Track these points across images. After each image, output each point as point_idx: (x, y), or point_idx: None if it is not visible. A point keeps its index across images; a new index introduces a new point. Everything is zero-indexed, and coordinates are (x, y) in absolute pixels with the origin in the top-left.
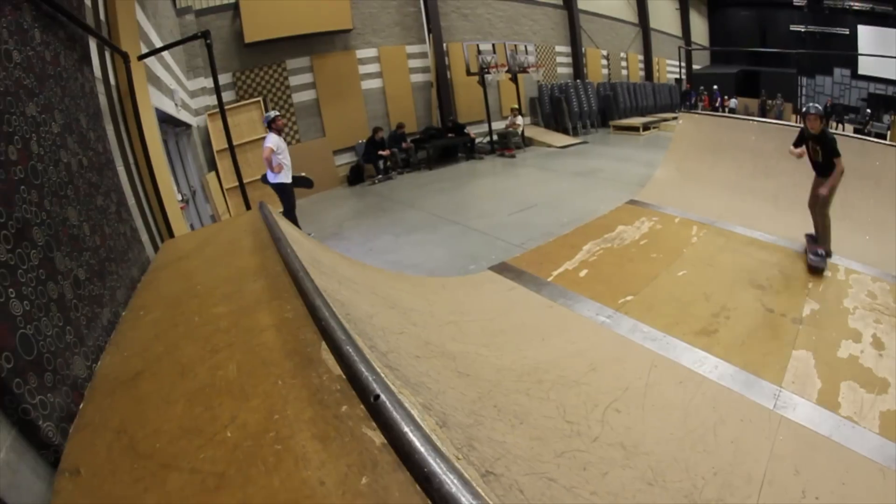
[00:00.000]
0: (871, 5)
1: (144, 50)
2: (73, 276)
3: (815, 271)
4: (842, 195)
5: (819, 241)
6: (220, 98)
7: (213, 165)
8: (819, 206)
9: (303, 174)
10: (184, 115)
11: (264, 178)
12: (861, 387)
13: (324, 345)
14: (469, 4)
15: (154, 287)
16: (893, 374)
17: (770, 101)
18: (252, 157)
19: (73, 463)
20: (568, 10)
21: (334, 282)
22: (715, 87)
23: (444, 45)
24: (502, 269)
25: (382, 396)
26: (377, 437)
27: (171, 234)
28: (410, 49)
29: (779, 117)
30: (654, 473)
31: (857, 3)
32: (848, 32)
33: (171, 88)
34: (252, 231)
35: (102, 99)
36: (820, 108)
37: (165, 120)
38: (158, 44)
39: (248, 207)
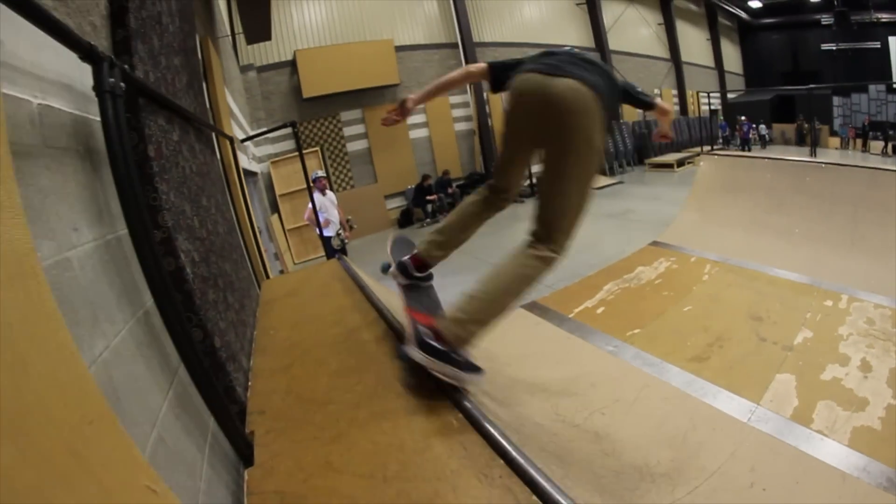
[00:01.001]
0: None
1: (232, 122)
2: (234, 308)
3: None
4: (852, 224)
5: None
6: (305, 170)
7: (275, 208)
8: None
9: (346, 227)
10: (253, 166)
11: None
12: (838, 405)
13: (393, 334)
14: (506, 53)
15: (273, 315)
16: (875, 394)
17: (807, 125)
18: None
19: (259, 408)
20: (600, 52)
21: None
22: (742, 117)
23: (485, 94)
24: (532, 307)
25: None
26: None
27: (267, 276)
28: (453, 100)
29: (816, 142)
30: (615, 450)
31: (885, 15)
32: (879, 45)
33: (245, 145)
34: (337, 278)
35: (221, 175)
36: None
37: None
38: (234, 107)
39: (327, 253)
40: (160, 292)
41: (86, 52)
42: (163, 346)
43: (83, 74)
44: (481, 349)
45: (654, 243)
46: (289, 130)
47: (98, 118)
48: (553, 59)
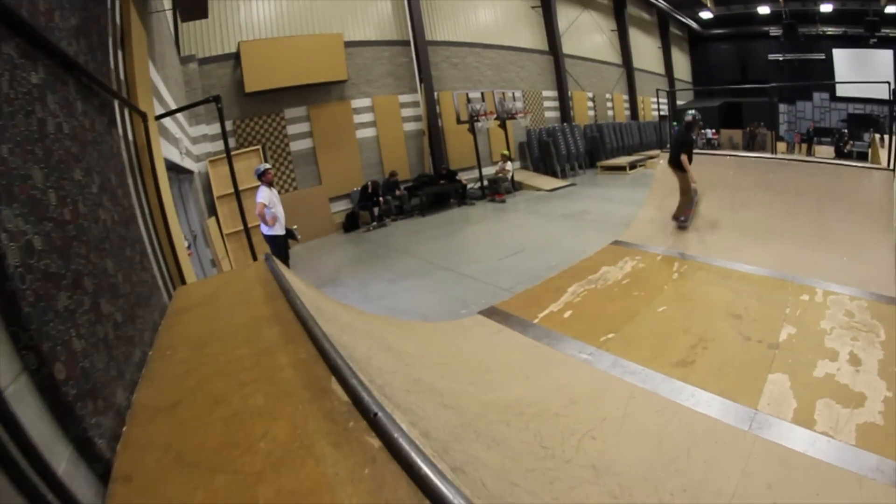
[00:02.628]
0: (843, 29)
1: (157, 104)
2: (113, 319)
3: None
4: (818, 219)
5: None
6: (230, 161)
7: (213, 210)
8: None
9: (294, 227)
10: (187, 163)
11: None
12: (837, 402)
13: (333, 379)
14: (458, 53)
15: (176, 330)
16: (870, 388)
17: (758, 130)
18: (250, 205)
19: (125, 472)
20: (553, 56)
21: (336, 328)
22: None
23: (436, 93)
24: (491, 312)
25: (379, 414)
26: (375, 443)
27: (183, 281)
28: (403, 98)
29: (763, 145)
30: (622, 489)
31: (830, 29)
32: (824, 57)
33: (177, 137)
34: (261, 282)
35: (124, 155)
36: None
37: (171, 168)
38: (167, 94)
39: (254, 256)
40: None
41: None
42: None
43: None
44: (436, 364)
45: (616, 242)
46: (229, 128)
47: None
48: None
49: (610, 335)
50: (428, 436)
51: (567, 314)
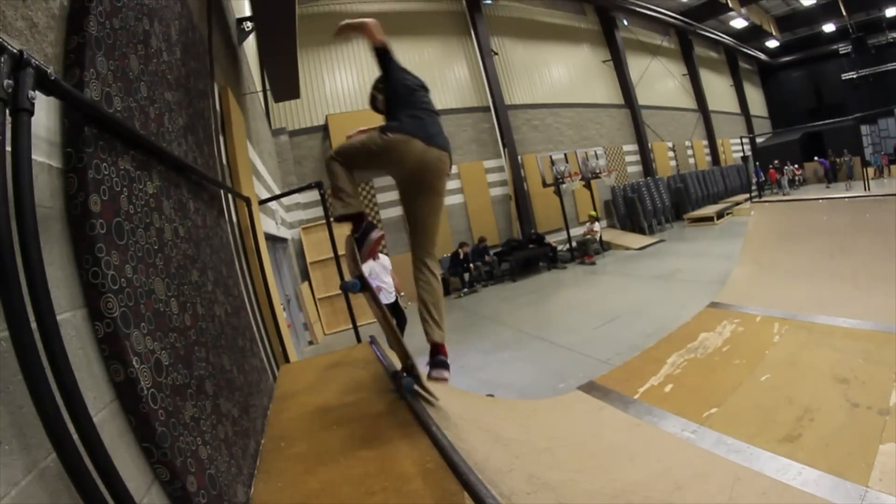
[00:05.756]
0: None
1: (255, 182)
2: (231, 416)
3: None
4: None
5: None
6: (332, 236)
7: (305, 275)
8: None
9: (402, 294)
10: (282, 231)
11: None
12: None
13: (466, 495)
14: (538, 115)
15: (286, 417)
16: None
17: (839, 160)
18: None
19: None
20: (630, 108)
21: (451, 423)
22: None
23: (519, 157)
24: (590, 388)
25: None
26: None
27: (287, 359)
28: (488, 164)
29: (850, 174)
30: None
31: None
32: None
33: (273, 209)
34: (369, 370)
35: (231, 244)
36: None
37: (267, 238)
38: (262, 168)
39: (358, 338)
40: (60, 436)
41: None
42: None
43: None
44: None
45: (713, 304)
46: (317, 197)
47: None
48: (431, 126)
49: (713, 410)
50: None
51: (668, 388)
